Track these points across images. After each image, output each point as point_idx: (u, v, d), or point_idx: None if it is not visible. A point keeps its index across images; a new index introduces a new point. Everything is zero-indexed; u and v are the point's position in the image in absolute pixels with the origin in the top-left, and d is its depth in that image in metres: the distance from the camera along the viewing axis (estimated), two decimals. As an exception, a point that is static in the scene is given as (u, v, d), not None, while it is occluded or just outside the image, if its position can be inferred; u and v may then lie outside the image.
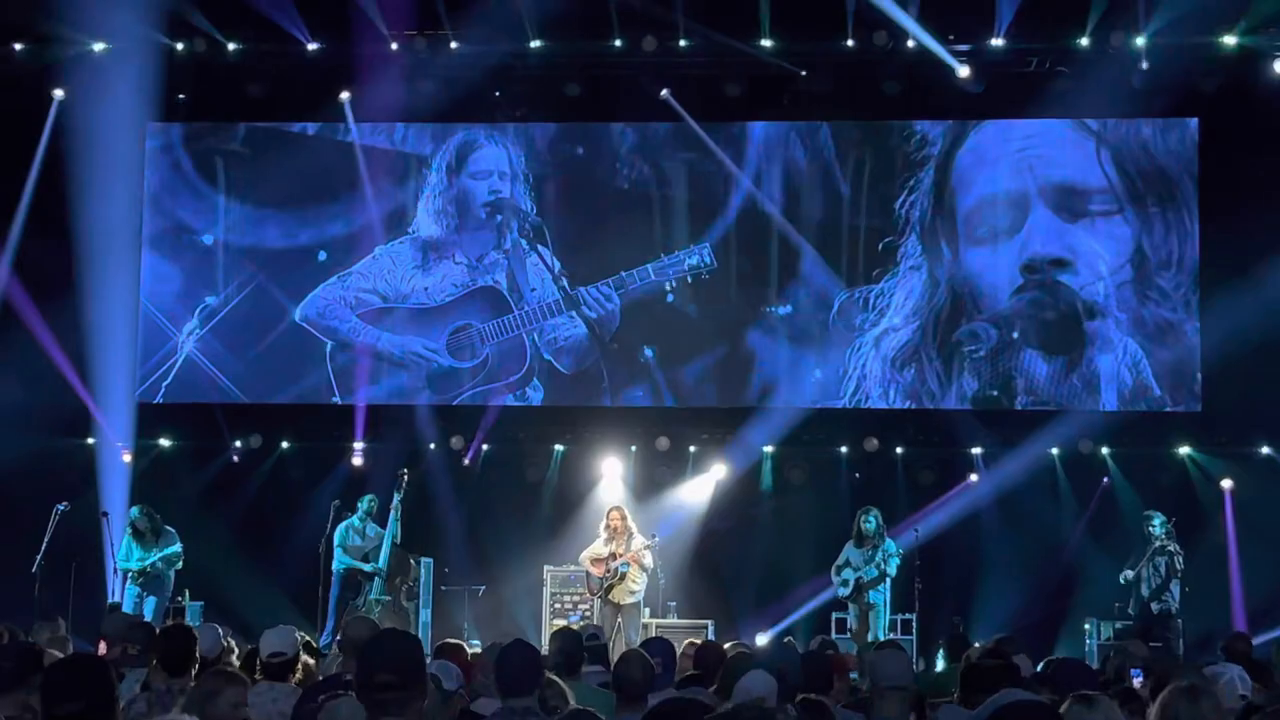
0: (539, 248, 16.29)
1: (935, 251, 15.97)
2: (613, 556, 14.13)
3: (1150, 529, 14.15)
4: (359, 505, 14.63)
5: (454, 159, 16.47)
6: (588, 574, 14.29)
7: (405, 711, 4.22)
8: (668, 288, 16.19)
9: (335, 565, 14.39)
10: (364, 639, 6.99)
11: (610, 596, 14.10)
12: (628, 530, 14.23)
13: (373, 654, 4.34)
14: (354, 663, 6.91)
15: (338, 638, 9.91)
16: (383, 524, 14.47)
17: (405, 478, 14.60)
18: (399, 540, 14.46)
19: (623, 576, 14.08)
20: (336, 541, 14.43)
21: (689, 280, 16.11)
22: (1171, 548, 14.04)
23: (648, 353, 16.23)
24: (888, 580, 14.05)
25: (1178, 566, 14.02)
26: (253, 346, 16.51)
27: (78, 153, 15.66)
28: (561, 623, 14.48)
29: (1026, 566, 15.15)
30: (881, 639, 12.86)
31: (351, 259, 16.47)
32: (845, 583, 14.17)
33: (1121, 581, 14.29)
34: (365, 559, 14.38)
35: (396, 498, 14.42)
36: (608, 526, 14.29)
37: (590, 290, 16.21)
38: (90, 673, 4.62)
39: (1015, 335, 15.84)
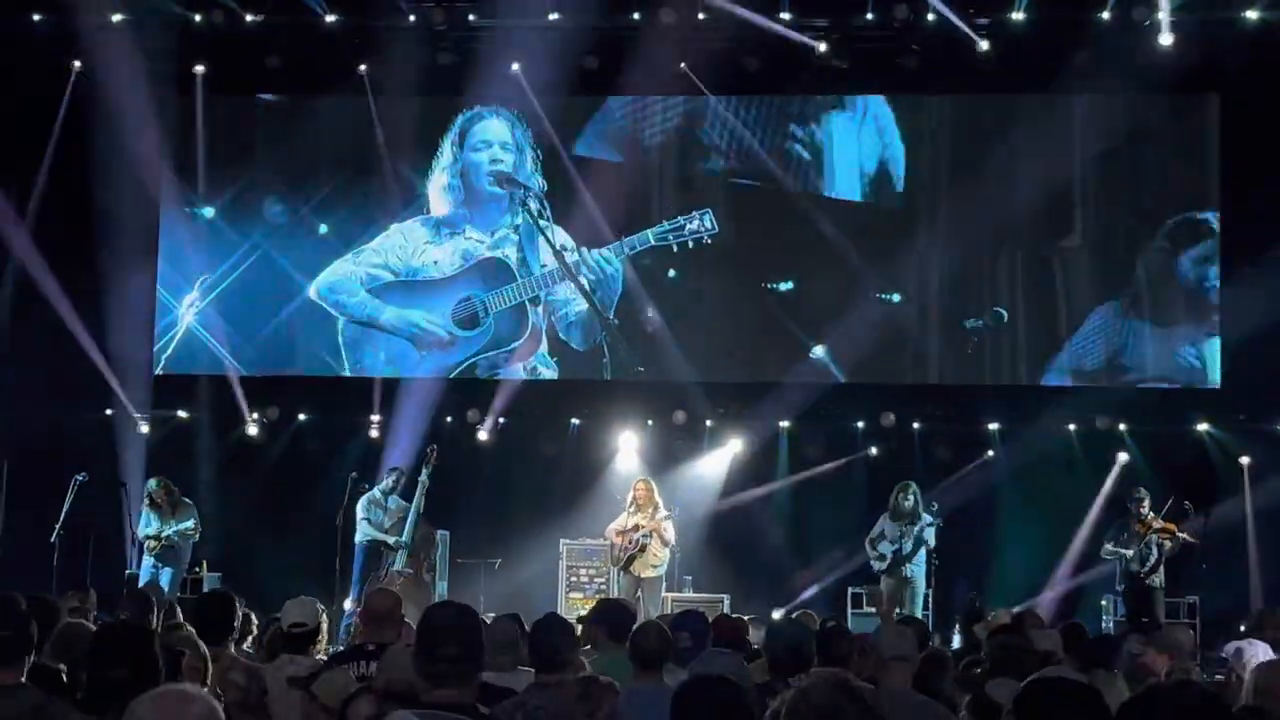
0: (541, 221, 16.23)
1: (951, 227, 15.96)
2: (636, 528, 14.13)
3: (1143, 510, 14.04)
4: (383, 478, 14.64)
5: (458, 134, 16.43)
6: (611, 545, 14.30)
7: (464, 682, 4.28)
8: (672, 273, 16.15)
9: (359, 538, 14.42)
10: (388, 610, 7.03)
11: (630, 568, 14.13)
12: (653, 503, 14.23)
13: (435, 625, 4.38)
14: (375, 631, 6.95)
15: (359, 609, 9.95)
16: (406, 498, 14.50)
17: (434, 455, 14.58)
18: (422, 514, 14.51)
19: (644, 548, 14.08)
20: (360, 515, 14.45)
21: (691, 246, 16.01)
22: (1180, 536, 13.95)
23: (654, 317, 16.16)
24: (924, 550, 14.02)
25: (1174, 551, 13.99)
26: (258, 319, 16.56)
27: (95, 123, 15.66)
28: (578, 596, 14.56)
29: (1043, 543, 15.13)
30: (918, 614, 12.91)
31: (365, 235, 16.47)
32: (882, 556, 14.11)
33: (1104, 556, 14.24)
34: (387, 532, 14.41)
35: (425, 473, 14.40)
36: (634, 499, 14.31)
37: (591, 254, 16.16)
38: (136, 640, 4.70)
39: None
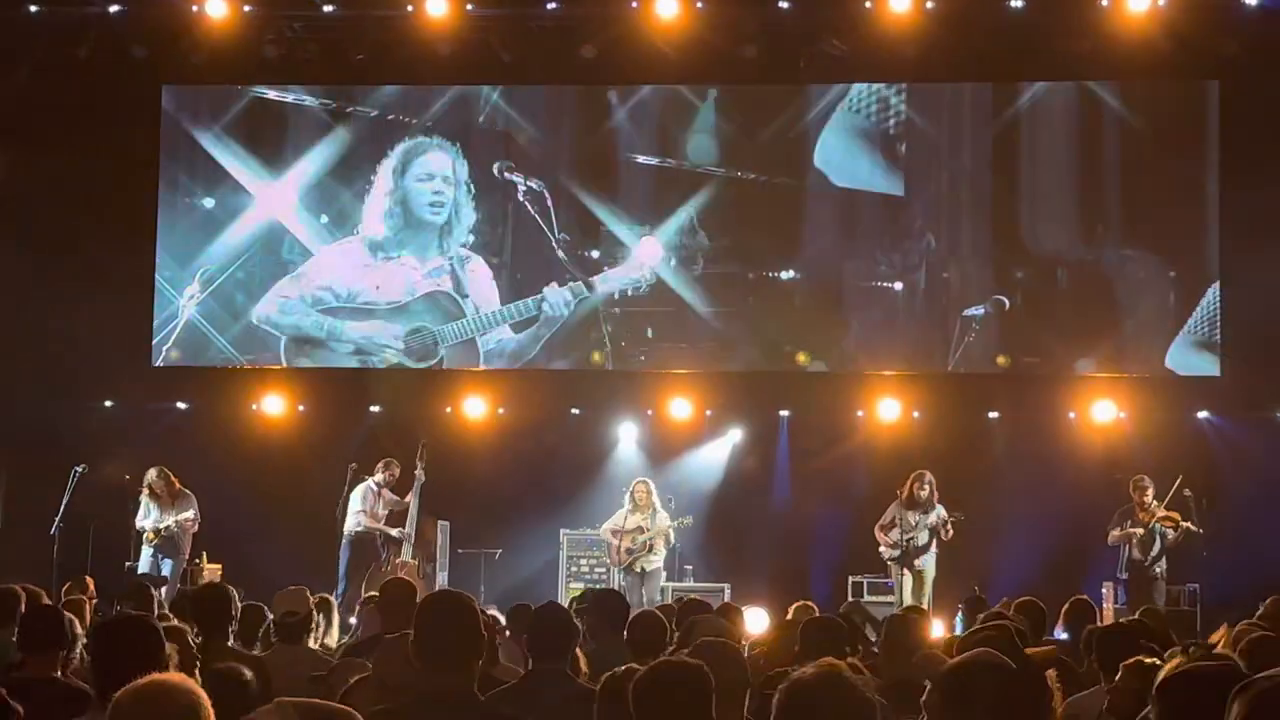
0: (480, 255, 16.28)
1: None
2: (640, 530, 14.34)
3: (1146, 498, 14.05)
4: (377, 469, 14.65)
5: (399, 163, 16.39)
6: (609, 545, 14.47)
7: (462, 670, 4.27)
8: (673, 261, 16.15)
9: (348, 528, 14.42)
10: (406, 599, 7.03)
11: (634, 567, 14.36)
12: (652, 505, 14.45)
13: (432, 614, 4.38)
14: (393, 620, 6.94)
15: (365, 598, 9.94)
16: (402, 490, 14.51)
17: (425, 448, 14.59)
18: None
19: (650, 548, 14.36)
20: (356, 506, 14.46)
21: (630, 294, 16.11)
22: (1183, 525, 13.94)
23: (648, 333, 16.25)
24: (935, 547, 14.07)
25: (1177, 539, 13.99)
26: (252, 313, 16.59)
27: (94, 114, 15.63)
28: (578, 586, 14.58)
29: (1045, 531, 15.10)
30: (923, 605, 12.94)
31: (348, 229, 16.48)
32: (894, 544, 14.17)
33: (1111, 544, 14.24)
34: (387, 523, 14.43)
35: (420, 466, 14.47)
36: (633, 500, 14.43)
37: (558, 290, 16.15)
38: (140, 632, 4.72)
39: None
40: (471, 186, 16.33)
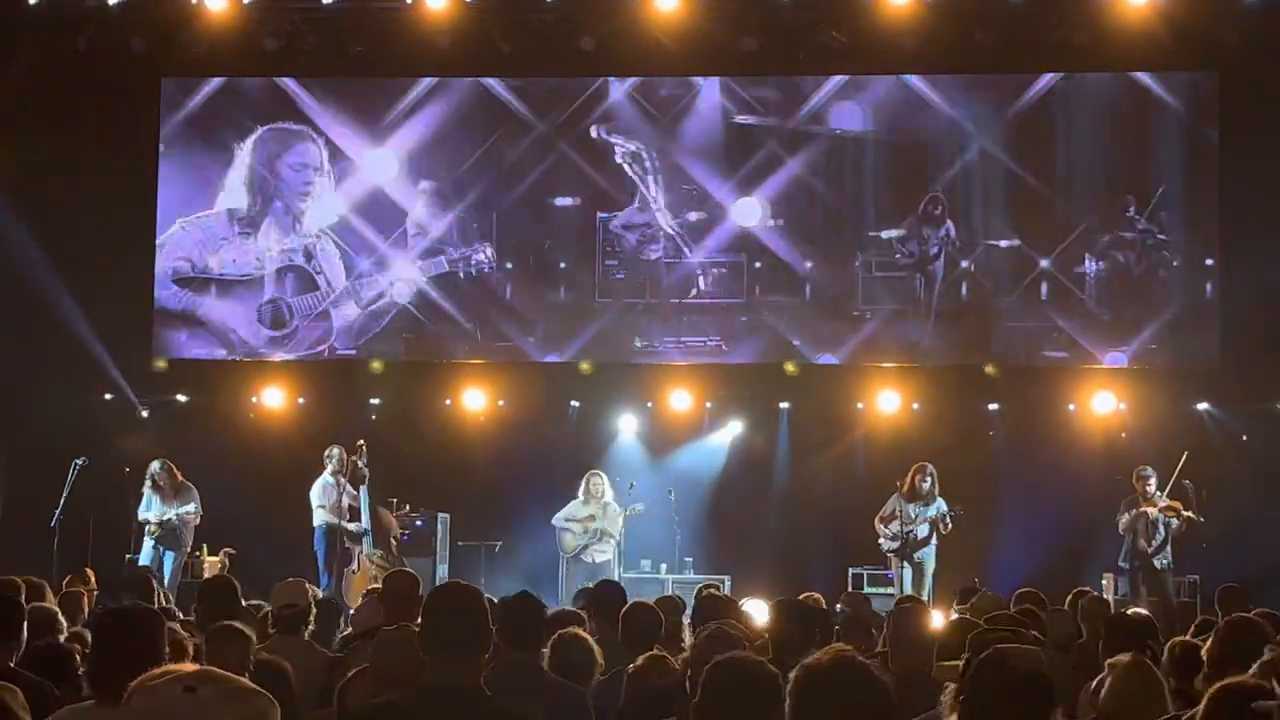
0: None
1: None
2: (590, 518, 14.71)
3: (1149, 489, 14.05)
4: (326, 461, 14.60)
5: (267, 144, 16.50)
6: (560, 534, 14.80)
7: (469, 664, 4.27)
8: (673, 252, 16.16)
9: (316, 521, 14.40)
10: (408, 590, 7.04)
11: (584, 556, 14.69)
12: (604, 496, 14.81)
13: (439, 607, 4.38)
14: (395, 612, 6.95)
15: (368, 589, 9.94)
16: (354, 483, 14.59)
17: (363, 448, 14.59)
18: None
19: (601, 537, 14.70)
20: (316, 501, 14.43)
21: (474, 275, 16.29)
22: (1184, 515, 13.95)
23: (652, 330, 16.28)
24: (935, 540, 14.09)
25: (1180, 530, 13.99)
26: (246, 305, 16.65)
27: (92, 106, 15.62)
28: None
29: (1045, 522, 15.10)
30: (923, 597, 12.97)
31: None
32: (894, 536, 14.19)
33: (1123, 532, 14.24)
34: (342, 517, 14.42)
35: (361, 463, 14.46)
36: (587, 490, 14.77)
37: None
38: (139, 623, 4.72)
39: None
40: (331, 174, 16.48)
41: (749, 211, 16.08)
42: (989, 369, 15.85)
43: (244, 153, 16.50)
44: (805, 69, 16.01)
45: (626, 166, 16.22)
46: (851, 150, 16.11)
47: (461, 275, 16.46)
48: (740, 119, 16.11)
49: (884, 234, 15.95)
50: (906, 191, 16.05)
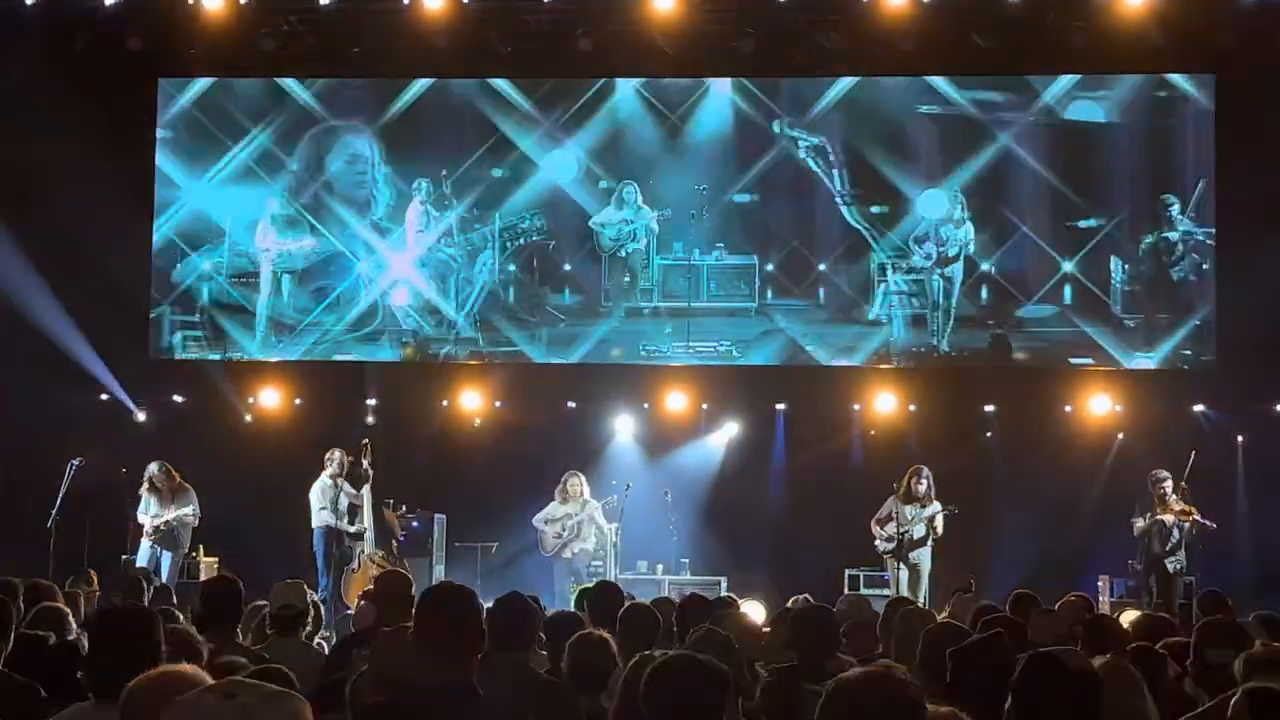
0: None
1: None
2: (568, 516, 14.77)
3: (1164, 492, 14.05)
4: (327, 463, 14.60)
5: (319, 142, 16.60)
6: (540, 534, 14.83)
7: (463, 663, 4.27)
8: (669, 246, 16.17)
9: (315, 523, 14.41)
10: (401, 591, 7.03)
11: (563, 553, 14.74)
12: (582, 496, 14.85)
13: (433, 607, 4.38)
14: (390, 613, 6.96)
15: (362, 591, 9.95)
16: (354, 484, 14.60)
17: (368, 447, 14.61)
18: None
19: (578, 532, 14.74)
20: (317, 504, 14.43)
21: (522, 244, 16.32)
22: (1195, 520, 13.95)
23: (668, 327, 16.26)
24: (930, 541, 14.11)
25: (1192, 534, 13.99)
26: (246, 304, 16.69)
27: (90, 106, 15.61)
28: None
29: (1041, 524, 15.12)
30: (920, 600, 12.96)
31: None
32: (890, 538, 14.22)
33: (1138, 535, 14.23)
34: (343, 519, 14.43)
35: (365, 464, 14.50)
36: (564, 490, 14.83)
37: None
38: (135, 625, 4.71)
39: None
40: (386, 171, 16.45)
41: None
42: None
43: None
44: (805, 70, 16.01)
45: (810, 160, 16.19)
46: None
47: (462, 276, 16.46)
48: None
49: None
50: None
